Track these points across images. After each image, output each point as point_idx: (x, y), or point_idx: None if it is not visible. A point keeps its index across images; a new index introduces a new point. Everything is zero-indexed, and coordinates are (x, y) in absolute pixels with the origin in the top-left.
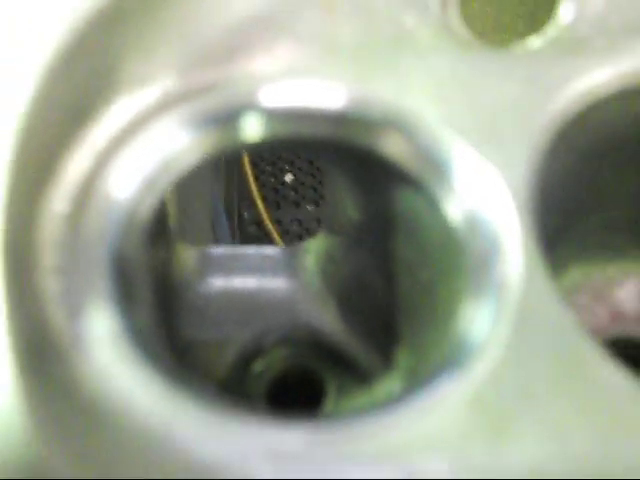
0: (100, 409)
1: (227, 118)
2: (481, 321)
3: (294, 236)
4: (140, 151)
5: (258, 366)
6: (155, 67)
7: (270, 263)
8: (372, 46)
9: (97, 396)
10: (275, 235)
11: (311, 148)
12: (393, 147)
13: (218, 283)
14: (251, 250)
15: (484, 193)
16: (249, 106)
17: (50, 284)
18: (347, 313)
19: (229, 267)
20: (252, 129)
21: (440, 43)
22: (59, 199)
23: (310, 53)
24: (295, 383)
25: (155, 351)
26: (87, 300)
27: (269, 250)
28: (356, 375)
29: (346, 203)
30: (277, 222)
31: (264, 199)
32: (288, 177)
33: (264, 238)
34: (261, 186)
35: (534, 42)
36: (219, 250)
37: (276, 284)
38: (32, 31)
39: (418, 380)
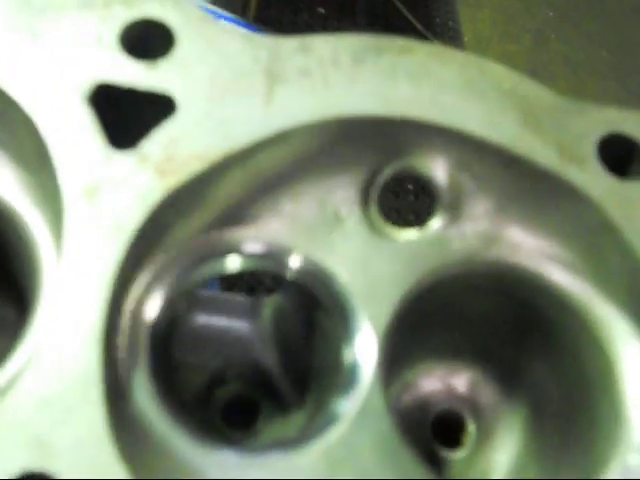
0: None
1: (219, 256)
2: (340, 406)
3: None
4: (167, 281)
5: (218, 390)
6: (191, 231)
7: (239, 308)
8: (319, 227)
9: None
10: None
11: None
12: (319, 290)
13: (201, 320)
14: (226, 296)
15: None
16: (236, 251)
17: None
18: (285, 359)
19: (210, 307)
20: (235, 264)
21: (360, 229)
22: (125, 315)
23: (280, 228)
24: (240, 406)
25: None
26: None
27: (239, 298)
28: (282, 406)
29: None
30: None
31: None
32: None
33: None
34: None
35: (412, 234)
36: (205, 293)
37: (240, 325)
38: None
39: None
